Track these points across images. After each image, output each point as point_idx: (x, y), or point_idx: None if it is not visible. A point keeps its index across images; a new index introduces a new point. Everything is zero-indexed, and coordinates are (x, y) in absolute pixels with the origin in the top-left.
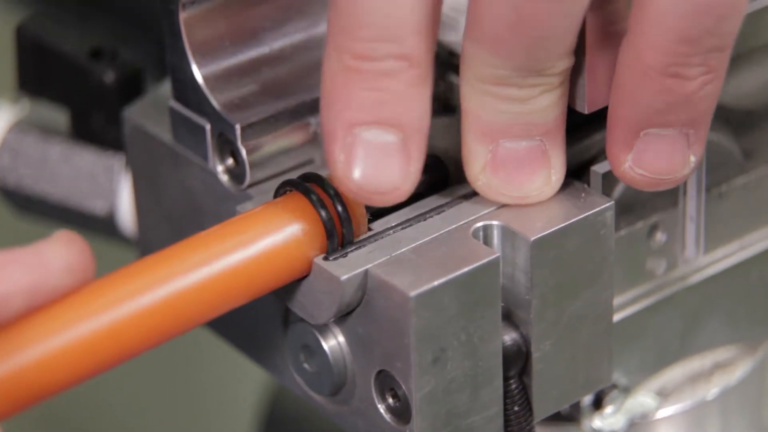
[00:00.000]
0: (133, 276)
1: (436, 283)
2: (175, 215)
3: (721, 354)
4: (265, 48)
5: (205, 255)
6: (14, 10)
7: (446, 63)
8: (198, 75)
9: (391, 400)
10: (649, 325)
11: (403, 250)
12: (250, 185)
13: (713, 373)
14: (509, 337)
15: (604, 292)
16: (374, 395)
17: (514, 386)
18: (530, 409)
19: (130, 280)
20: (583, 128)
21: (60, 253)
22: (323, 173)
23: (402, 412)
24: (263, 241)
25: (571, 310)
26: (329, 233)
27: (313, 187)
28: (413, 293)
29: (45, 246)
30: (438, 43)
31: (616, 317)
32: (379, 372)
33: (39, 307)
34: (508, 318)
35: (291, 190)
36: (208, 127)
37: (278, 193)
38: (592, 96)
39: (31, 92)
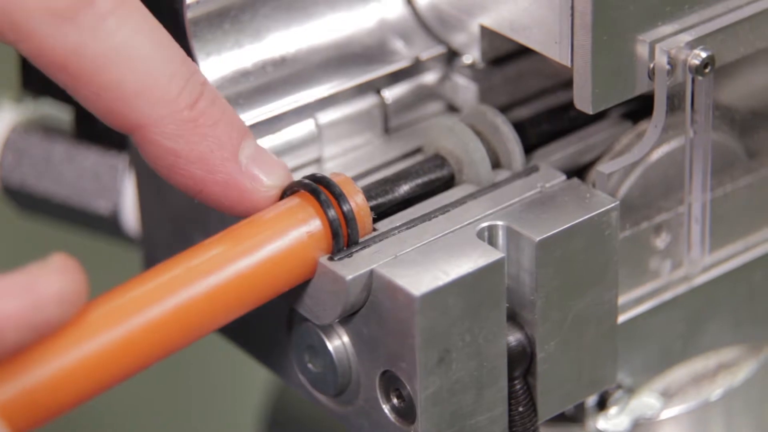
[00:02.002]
0: (141, 287)
1: (441, 283)
2: (179, 215)
3: (725, 355)
4: (269, 48)
5: (212, 263)
6: None
7: (449, 63)
8: (203, 74)
9: (395, 401)
10: (653, 325)
11: (408, 250)
12: None
13: (717, 374)
14: (514, 337)
15: (609, 292)
16: (379, 395)
17: (518, 387)
18: (535, 410)
19: (138, 291)
20: (588, 128)
21: (54, 283)
22: (327, 173)
23: (407, 413)
24: (270, 246)
25: (575, 310)
26: (335, 233)
27: (318, 187)
28: (418, 294)
29: (40, 274)
30: (441, 42)
31: (621, 318)
32: (384, 372)
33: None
34: (513, 319)
35: (297, 191)
36: None
37: (284, 193)
38: (596, 96)
39: (34, 91)
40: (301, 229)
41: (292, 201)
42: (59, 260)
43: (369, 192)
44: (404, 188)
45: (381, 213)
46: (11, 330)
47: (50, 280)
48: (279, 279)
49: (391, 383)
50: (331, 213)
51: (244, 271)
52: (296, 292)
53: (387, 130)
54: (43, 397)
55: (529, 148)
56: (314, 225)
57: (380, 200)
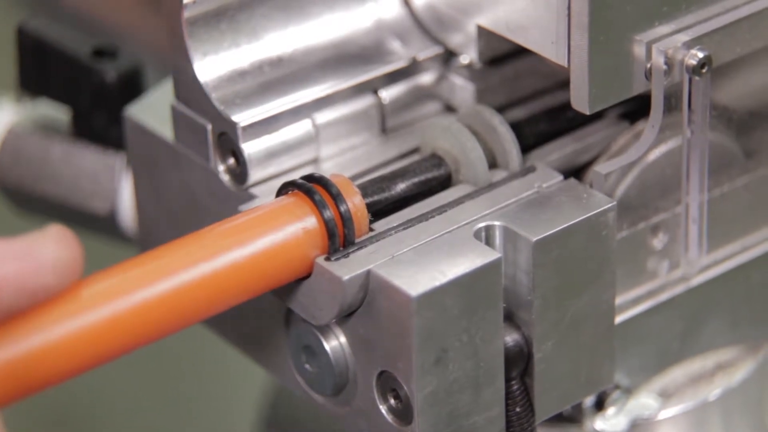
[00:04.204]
0: (133, 270)
1: (438, 284)
2: (176, 215)
3: (722, 355)
4: (266, 47)
5: (206, 251)
6: (15, 9)
7: (446, 63)
8: (200, 75)
9: (392, 401)
10: (651, 325)
11: (404, 250)
12: (252, 185)
13: (715, 374)
14: (511, 338)
15: (606, 292)
16: (376, 396)
17: (515, 387)
18: (532, 410)
19: (130, 273)
20: (585, 128)
21: (51, 249)
22: (325, 173)
23: (404, 413)
24: (264, 238)
25: (573, 310)
26: (331, 233)
27: (315, 187)
28: (415, 294)
29: (37, 241)
30: (438, 43)
31: (618, 318)
32: (381, 373)
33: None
34: (510, 319)
35: (293, 191)
36: (209, 126)
37: (280, 193)
38: (593, 96)
39: (32, 91)
40: (297, 224)
41: (290, 198)
42: (56, 230)
43: (365, 189)
44: (401, 186)
45: (377, 211)
46: (9, 293)
47: (48, 246)
48: (272, 272)
49: (388, 383)
50: (327, 213)
51: (238, 260)
52: (293, 292)
53: (384, 131)
54: (28, 370)
55: (526, 149)
56: (310, 222)
57: (376, 197)
